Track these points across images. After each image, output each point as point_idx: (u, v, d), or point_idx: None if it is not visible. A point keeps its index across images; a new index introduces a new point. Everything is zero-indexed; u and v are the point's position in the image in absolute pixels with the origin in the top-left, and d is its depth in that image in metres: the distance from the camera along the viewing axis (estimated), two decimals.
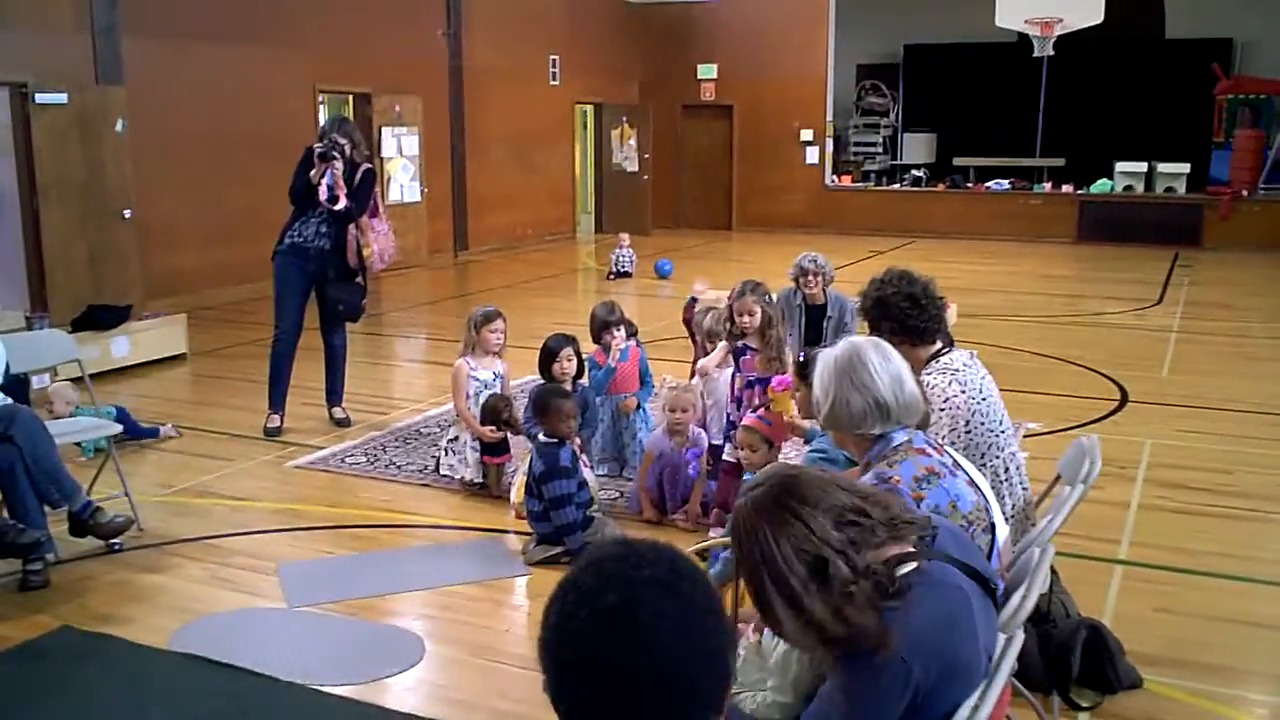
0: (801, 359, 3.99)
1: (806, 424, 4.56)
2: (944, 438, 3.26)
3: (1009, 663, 2.02)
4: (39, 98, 9.49)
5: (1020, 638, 2.09)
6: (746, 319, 5.29)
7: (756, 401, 5.32)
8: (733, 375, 5.43)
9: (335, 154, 6.47)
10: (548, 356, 5.61)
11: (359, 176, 6.62)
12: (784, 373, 5.31)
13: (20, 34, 9.50)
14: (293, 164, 6.68)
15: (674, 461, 5.29)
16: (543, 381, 5.65)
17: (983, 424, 3.49)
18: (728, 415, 5.40)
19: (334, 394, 6.98)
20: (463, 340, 6.00)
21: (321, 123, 10.45)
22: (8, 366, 4.94)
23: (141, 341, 8.61)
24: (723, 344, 5.53)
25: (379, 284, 9.93)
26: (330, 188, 6.50)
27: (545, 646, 1.36)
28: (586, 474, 5.03)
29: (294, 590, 4.52)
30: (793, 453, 5.24)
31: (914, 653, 1.90)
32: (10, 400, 4.84)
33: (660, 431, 5.38)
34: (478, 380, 5.83)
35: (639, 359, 6.04)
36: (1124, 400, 7.52)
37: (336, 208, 6.52)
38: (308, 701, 3.65)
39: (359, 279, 6.78)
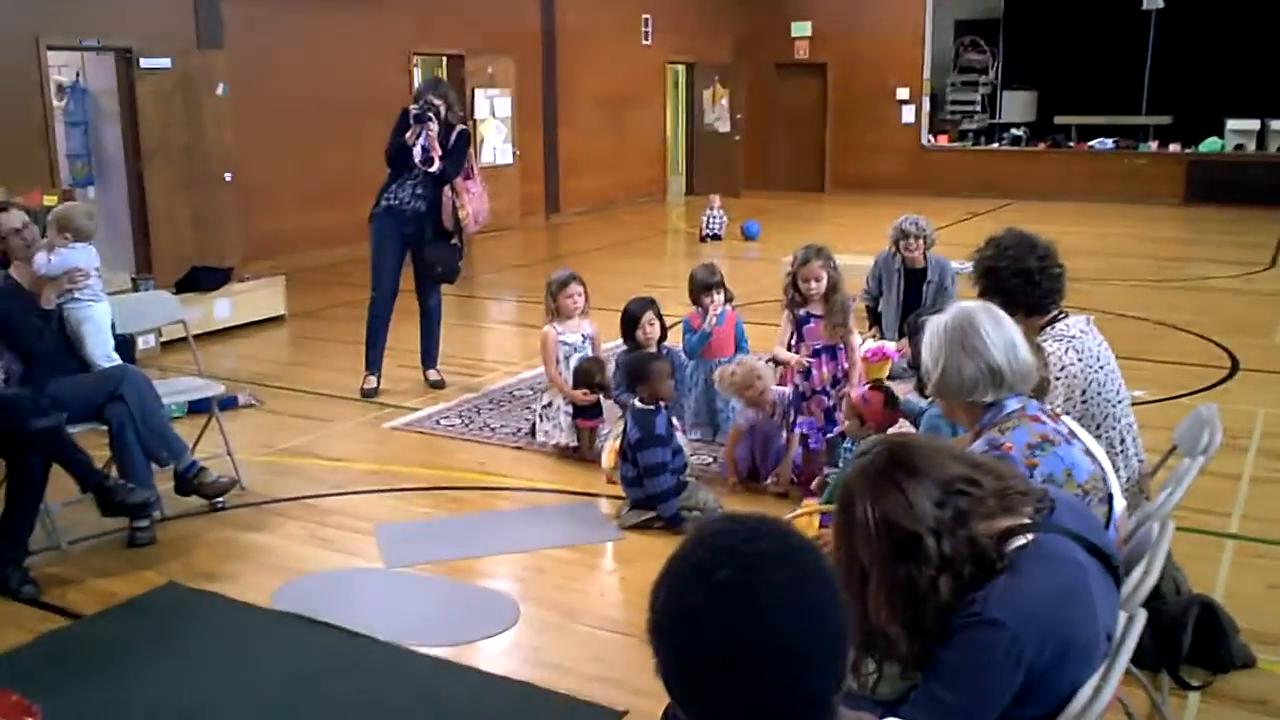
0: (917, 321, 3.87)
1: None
2: (1059, 407, 3.15)
3: (1131, 643, 1.93)
4: (144, 62, 9.69)
5: (1142, 616, 2.01)
6: (813, 285, 5.13)
7: (825, 370, 5.21)
8: (796, 344, 5.28)
9: (430, 115, 6.49)
10: (630, 322, 5.58)
11: (454, 138, 6.63)
12: (848, 339, 5.20)
13: (124, 0, 9.67)
14: (388, 126, 6.71)
15: (766, 431, 5.22)
16: (626, 348, 5.62)
17: (1099, 394, 3.37)
18: (795, 386, 5.29)
19: (429, 356, 7.03)
20: (545, 308, 6.00)
21: (416, 84, 10.50)
22: (114, 326, 5.05)
23: (242, 303, 8.78)
24: (785, 314, 5.36)
25: (471, 246, 9.98)
26: (425, 149, 6.52)
27: (656, 628, 1.31)
28: (680, 439, 4.98)
29: (391, 551, 4.57)
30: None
31: (1026, 629, 1.83)
32: (120, 360, 4.96)
33: (743, 408, 5.31)
34: (566, 344, 5.82)
35: (735, 324, 5.96)
36: (1234, 368, 7.26)
37: (432, 169, 6.55)
38: (404, 662, 3.68)
39: (455, 240, 6.81)
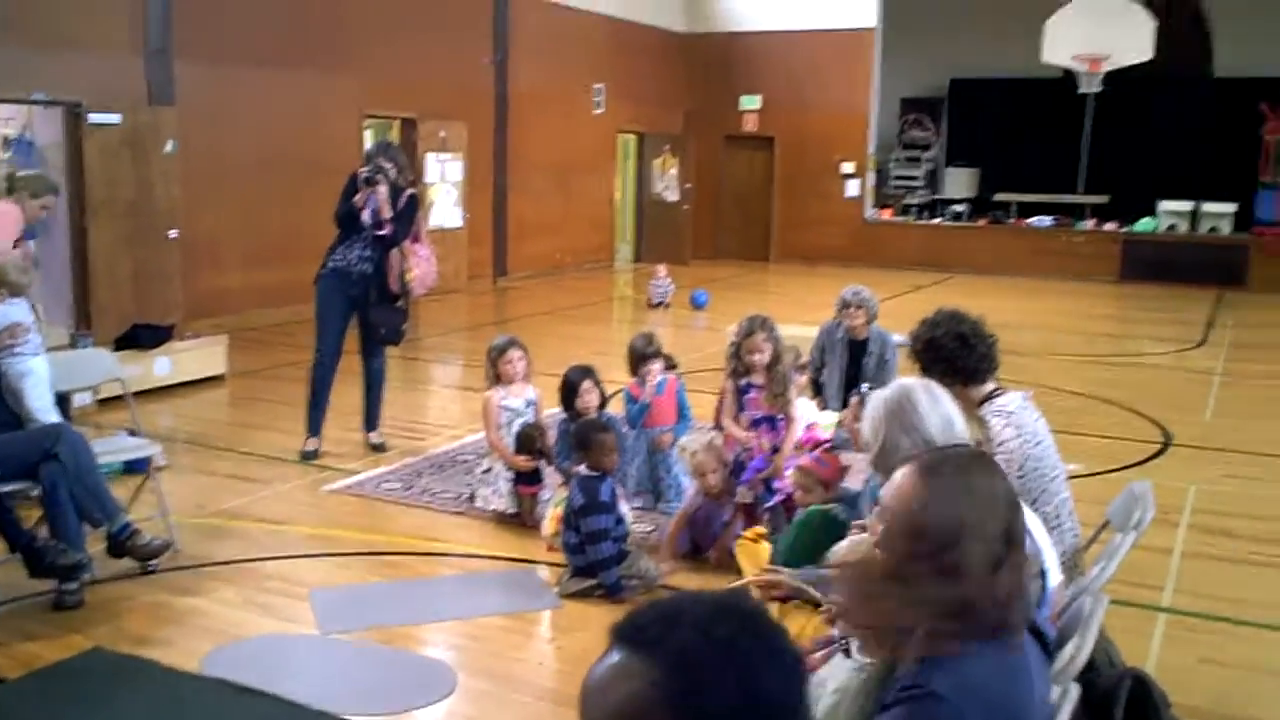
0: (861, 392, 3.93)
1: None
2: None
3: (1064, 717, 1.96)
4: (92, 118, 9.64)
5: (1075, 691, 2.04)
6: (756, 357, 5.22)
7: (765, 440, 5.25)
8: (736, 415, 5.33)
9: (379, 178, 6.51)
10: (568, 390, 5.60)
11: (402, 201, 6.65)
12: (788, 409, 5.26)
13: (75, 55, 9.65)
14: (338, 187, 6.72)
15: (709, 510, 5.22)
16: (565, 416, 5.63)
17: (1036, 468, 3.44)
18: (735, 455, 5.31)
19: (371, 418, 6.99)
20: (485, 374, 6.00)
21: (367, 147, 10.57)
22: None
23: (182, 361, 8.67)
24: (727, 384, 5.41)
25: (417, 309, 9.98)
26: (374, 212, 6.53)
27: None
28: (623, 508, 4.98)
29: (326, 616, 4.50)
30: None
31: (969, 704, 1.84)
32: (58, 417, 4.89)
33: (693, 493, 5.28)
34: (509, 410, 5.82)
35: (676, 391, 5.99)
36: (1167, 443, 7.41)
37: (380, 232, 6.56)
38: None
39: (400, 303, 6.81)
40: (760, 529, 4.88)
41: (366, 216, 6.54)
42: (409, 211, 6.69)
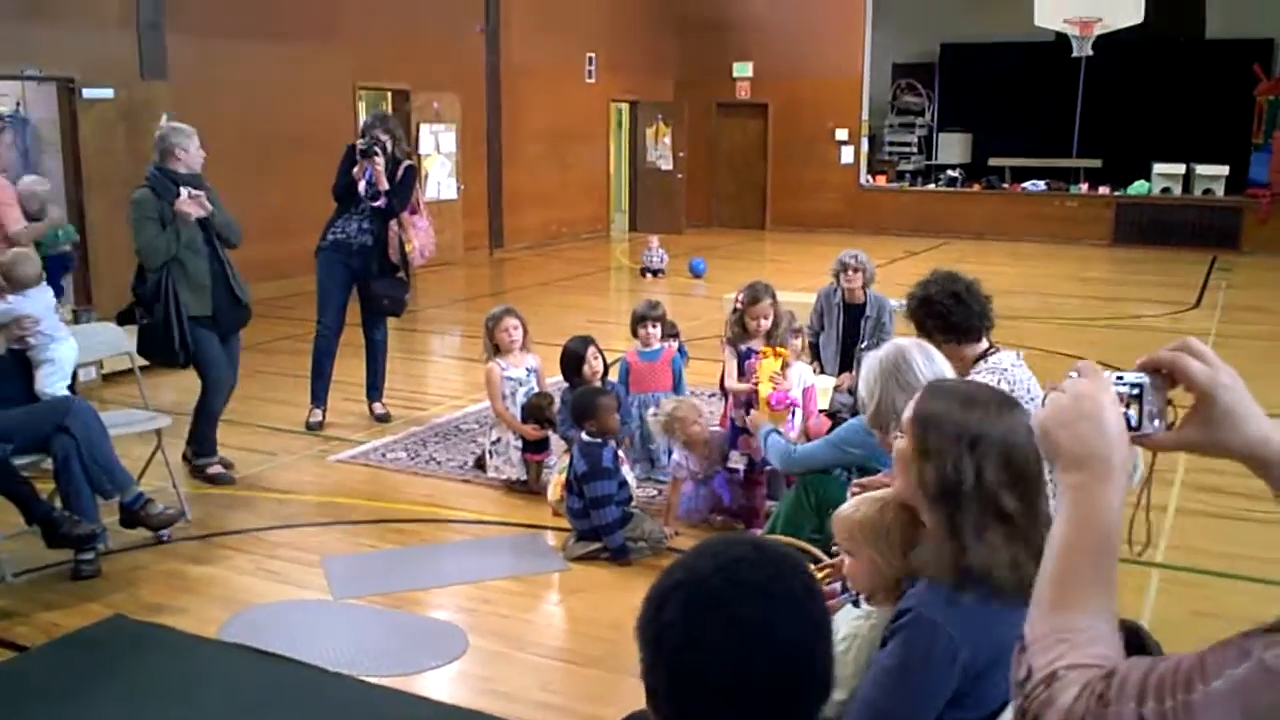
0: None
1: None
2: None
3: None
4: (86, 93, 9.64)
5: None
6: (762, 322, 5.27)
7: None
8: (738, 380, 5.36)
9: (377, 150, 6.56)
10: (574, 360, 5.60)
11: (400, 173, 6.69)
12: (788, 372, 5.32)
13: (68, 30, 9.64)
14: (333, 160, 6.77)
15: (707, 475, 5.29)
16: (568, 385, 5.68)
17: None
18: (732, 421, 5.34)
19: (374, 389, 7.06)
20: (483, 346, 6.06)
21: (361, 119, 10.56)
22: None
23: None
24: (728, 350, 5.46)
25: (415, 280, 10.03)
26: (372, 184, 6.58)
27: (657, 642, 1.31)
28: (626, 472, 5.07)
29: (339, 583, 4.60)
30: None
31: (965, 634, 1.92)
32: (68, 392, 4.96)
33: (679, 455, 5.28)
34: (511, 379, 5.88)
35: (672, 360, 6.04)
36: None
37: (378, 204, 6.61)
38: (355, 692, 3.72)
39: (401, 274, 6.87)
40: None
41: (364, 189, 6.59)
42: (407, 183, 6.74)
